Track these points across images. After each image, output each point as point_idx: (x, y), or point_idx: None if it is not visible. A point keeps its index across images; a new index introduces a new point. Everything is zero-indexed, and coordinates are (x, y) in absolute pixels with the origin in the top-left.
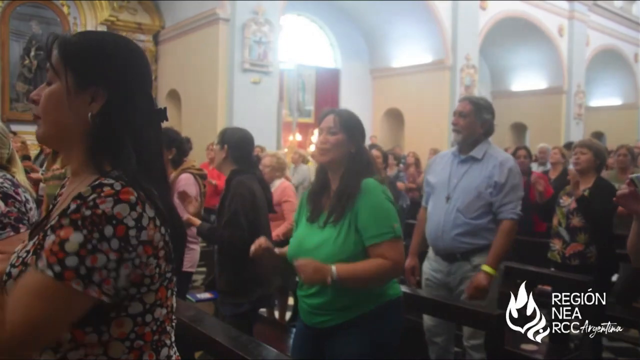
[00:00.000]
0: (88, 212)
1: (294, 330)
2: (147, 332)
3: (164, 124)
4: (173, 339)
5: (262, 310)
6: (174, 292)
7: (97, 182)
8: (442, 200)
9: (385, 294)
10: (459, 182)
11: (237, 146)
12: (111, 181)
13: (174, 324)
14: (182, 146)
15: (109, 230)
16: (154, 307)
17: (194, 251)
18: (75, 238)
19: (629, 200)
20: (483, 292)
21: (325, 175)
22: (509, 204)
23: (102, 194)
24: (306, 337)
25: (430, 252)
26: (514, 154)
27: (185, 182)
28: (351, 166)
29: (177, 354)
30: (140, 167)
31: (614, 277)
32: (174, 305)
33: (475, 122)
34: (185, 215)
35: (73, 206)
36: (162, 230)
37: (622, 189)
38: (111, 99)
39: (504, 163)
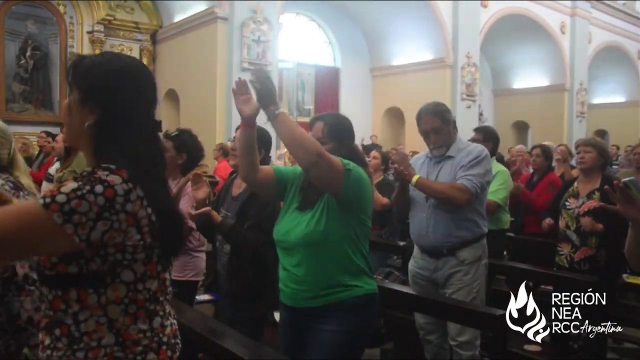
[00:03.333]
0: (85, 174)
1: None
2: (140, 298)
3: (171, 125)
4: (167, 310)
5: None
6: (168, 269)
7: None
8: (423, 200)
9: (364, 286)
10: (436, 180)
11: (268, 148)
12: (108, 165)
13: (168, 297)
14: (193, 152)
15: (99, 188)
16: (145, 278)
17: (198, 259)
18: (70, 185)
19: (623, 205)
20: (402, 168)
21: None
22: (466, 175)
23: (100, 170)
24: (289, 322)
25: (416, 250)
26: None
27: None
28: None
29: (175, 325)
30: (130, 163)
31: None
32: (167, 279)
33: (449, 130)
34: (195, 209)
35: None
36: (149, 210)
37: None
38: (103, 115)
39: (470, 152)
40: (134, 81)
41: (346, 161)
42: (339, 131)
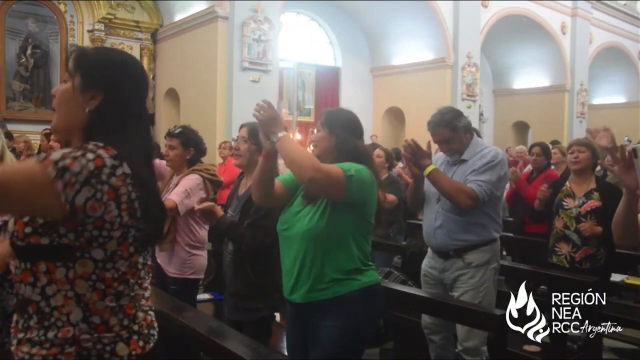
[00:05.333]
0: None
1: None
2: (108, 277)
3: (171, 124)
4: (140, 294)
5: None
6: (142, 254)
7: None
8: (434, 202)
9: (360, 280)
10: None
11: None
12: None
13: (141, 282)
14: (200, 146)
15: (90, 155)
16: (115, 257)
17: (200, 257)
18: (63, 149)
19: (622, 169)
20: (416, 149)
21: None
22: (477, 180)
23: (89, 144)
24: (293, 316)
25: (429, 250)
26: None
27: (190, 182)
28: (337, 157)
29: (152, 317)
30: (123, 147)
31: (616, 278)
32: (140, 263)
33: (459, 137)
34: (203, 204)
35: None
36: (130, 188)
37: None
38: (105, 100)
39: (484, 155)
40: (134, 73)
41: (347, 166)
42: (331, 119)
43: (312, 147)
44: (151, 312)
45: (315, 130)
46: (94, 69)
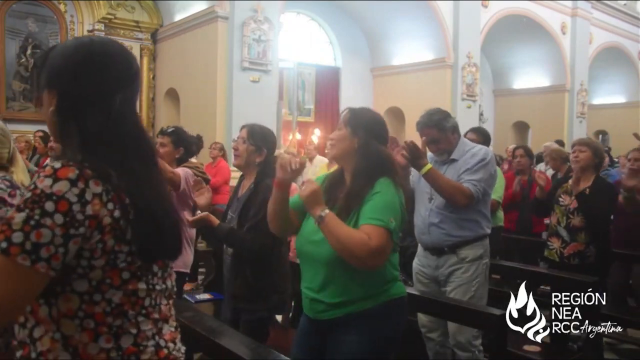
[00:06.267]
0: (29, 194)
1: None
2: (98, 312)
3: (171, 124)
4: (147, 329)
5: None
6: (145, 278)
7: (45, 164)
8: (426, 200)
9: (388, 292)
10: None
11: (271, 148)
12: (55, 162)
13: (147, 312)
14: (189, 147)
15: (50, 205)
16: (103, 286)
17: (188, 253)
18: (19, 217)
19: None
20: (415, 150)
21: (342, 169)
22: (472, 180)
23: (42, 174)
24: (308, 332)
25: (420, 249)
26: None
27: (185, 170)
28: (359, 162)
29: (169, 350)
30: (93, 152)
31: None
32: (143, 290)
33: (447, 137)
34: (197, 212)
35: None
36: (110, 206)
37: None
38: (60, 99)
39: (475, 154)
40: (95, 62)
41: (384, 215)
42: (357, 119)
43: (328, 145)
44: (170, 345)
45: (317, 130)
46: (49, 67)
